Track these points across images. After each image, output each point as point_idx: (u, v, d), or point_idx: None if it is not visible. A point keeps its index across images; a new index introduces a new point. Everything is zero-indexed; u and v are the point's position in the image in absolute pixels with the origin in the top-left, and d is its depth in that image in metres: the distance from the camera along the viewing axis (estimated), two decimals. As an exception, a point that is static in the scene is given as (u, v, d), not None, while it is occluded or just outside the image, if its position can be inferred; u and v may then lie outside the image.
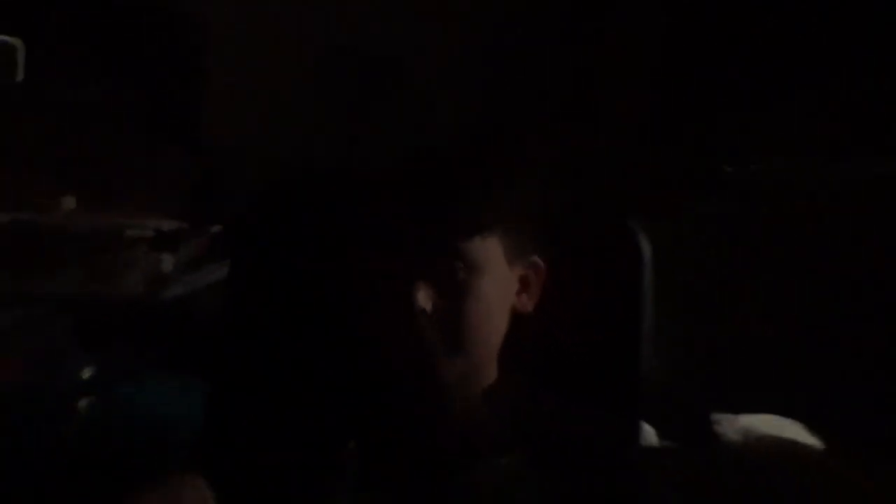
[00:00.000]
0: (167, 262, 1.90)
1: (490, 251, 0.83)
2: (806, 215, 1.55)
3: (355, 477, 0.80)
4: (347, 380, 0.87)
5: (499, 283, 0.85)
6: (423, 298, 0.81)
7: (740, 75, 1.69)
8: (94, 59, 2.10)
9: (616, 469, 0.84)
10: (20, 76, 1.96)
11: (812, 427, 1.34)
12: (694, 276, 1.43)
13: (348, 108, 2.04)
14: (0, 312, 1.67)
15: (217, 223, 1.97)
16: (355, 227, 0.86)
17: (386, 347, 0.82)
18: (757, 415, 1.37)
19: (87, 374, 1.47)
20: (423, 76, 2.02)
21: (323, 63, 2.04)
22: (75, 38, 2.10)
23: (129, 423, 1.31)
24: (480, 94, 1.94)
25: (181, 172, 2.04)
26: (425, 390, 0.83)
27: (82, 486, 0.81)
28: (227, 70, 2.12)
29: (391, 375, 0.84)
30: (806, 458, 1.27)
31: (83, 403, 1.36)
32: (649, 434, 1.44)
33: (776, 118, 1.67)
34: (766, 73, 1.69)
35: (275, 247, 0.97)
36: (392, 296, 0.82)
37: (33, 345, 1.59)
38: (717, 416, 1.38)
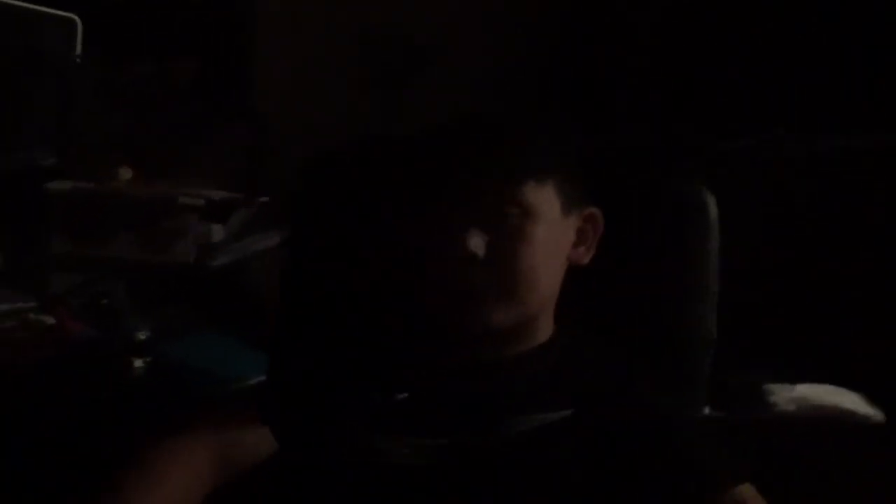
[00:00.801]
0: (217, 231, 1.93)
1: (545, 198, 0.80)
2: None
3: (405, 427, 0.80)
4: (400, 327, 0.88)
5: (554, 232, 0.82)
6: (476, 244, 0.78)
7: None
8: (149, 33, 2.14)
9: (665, 434, 0.81)
10: (78, 50, 2.01)
11: (872, 397, 1.30)
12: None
13: (389, 83, 2.05)
14: (62, 275, 1.72)
15: (267, 194, 1.99)
16: (409, 180, 0.86)
17: (439, 294, 0.81)
18: (813, 384, 1.33)
19: (142, 336, 1.50)
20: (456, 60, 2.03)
21: (366, 41, 2.05)
22: (131, 13, 2.14)
23: (180, 380, 1.34)
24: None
25: (234, 144, 2.06)
26: (478, 337, 0.83)
27: (137, 437, 0.82)
28: (279, 44, 2.14)
29: (443, 323, 0.83)
30: (865, 429, 1.23)
31: (138, 363, 1.40)
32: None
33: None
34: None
35: (332, 204, 0.98)
36: (445, 241, 0.81)
37: (92, 307, 1.63)
38: (770, 386, 1.34)
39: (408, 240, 0.85)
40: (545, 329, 0.85)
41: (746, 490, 0.77)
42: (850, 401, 1.31)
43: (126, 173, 1.97)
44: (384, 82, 2.07)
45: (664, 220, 0.91)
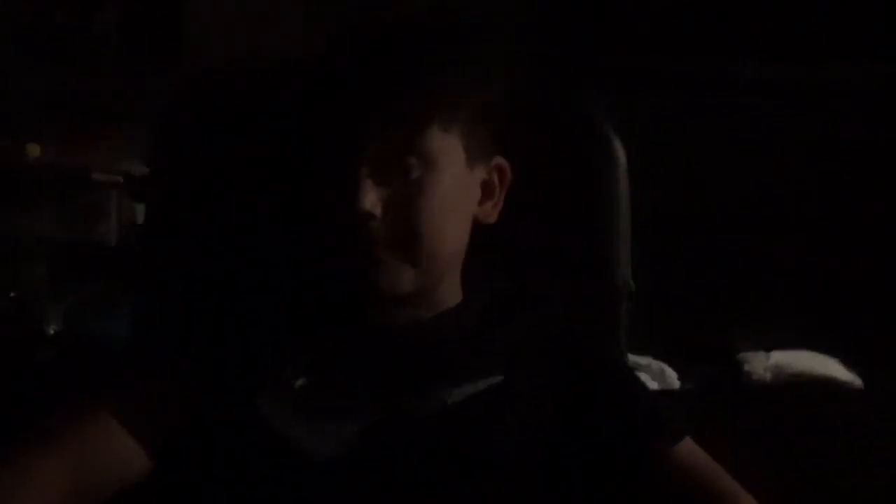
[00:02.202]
0: (141, 210, 1.78)
1: (448, 146, 0.69)
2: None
3: (312, 414, 0.68)
4: (290, 300, 0.75)
5: (458, 185, 0.71)
6: (371, 200, 0.67)
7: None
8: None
9: (604, 388, 0.74)
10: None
11: (851, 362, 1.24)
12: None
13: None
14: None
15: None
16: (294, 121, 0.72)
17: (331, 256, 0.69)
18: (788, 351, 1.27)
19: (52, 330, 1.37)
20: None
21: None
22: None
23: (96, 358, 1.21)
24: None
25: (158, 111, 1.89)
26: (377, 304, 0.71)
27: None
28: None
29: (338, 289, 0.71)
30: (845, 396, 1.18)
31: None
32: (671, 377, 1.35)
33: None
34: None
35: (202, 146, 0.84)
36: (335, 195, 0.67)
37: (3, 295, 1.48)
38: (745, 355, 1.28)
39: (295, 194, 0.72)
40: (453, 293, 0.75)
41: (688, 443, 0.73)
42: (828, 367, 1.25)
43: (34, 150, 1.80)
44: (336, 22, 1.88)
45: (570, 163, 0.82)
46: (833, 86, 1.51)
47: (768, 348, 1.26)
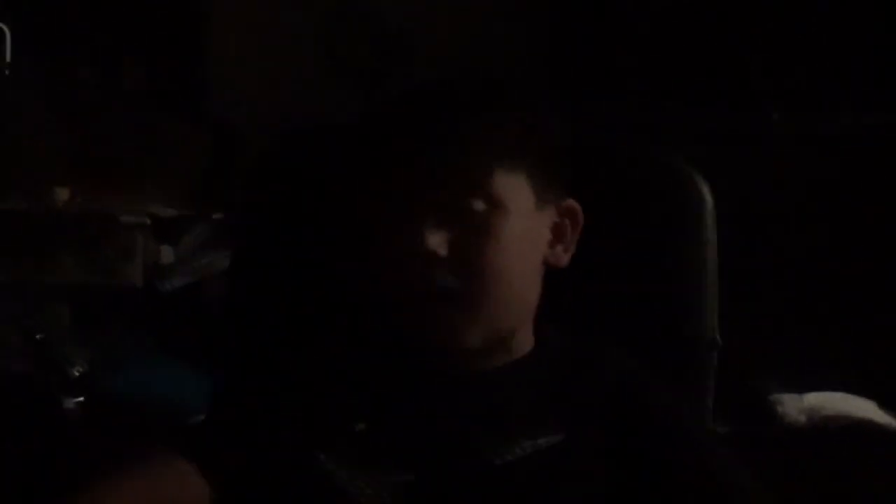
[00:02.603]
0: (167, 252, 1.79)
1: (517, 187, 0.68)
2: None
3: (367, 461, 0.67)
4: (356, 347, 0.74)
5: (526, 227, 0.69)
6: (437, 241, 0.65)
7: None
8: (93, 37, 2.00)
9: (682, 455, 0.70)
10: (8, 59, 1.87)
11: (887, 404, 1.21)
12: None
13: (364, 78, 1.91)
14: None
15: (222, 209, 1.85)
16: (361, 167, 0.72)
17: (397, 301, 0.68)
18: (822, 392, 1.23)
19: (77, 371, 1.37)
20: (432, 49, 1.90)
21: (333, 29, 1.91)
22: (66, 19, 2.00)
23: (124, 416, 1.20)
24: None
25: (187, 157, 1.92)
26: (442, 353, 0.69)
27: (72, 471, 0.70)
28: (231, 49, 2.00)
29: (403, 337, 0.70)
30: (881, 438, 1.14)
31: (69, 405, 1.26)
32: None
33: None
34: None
35: (280, 207, 0.85)
36: (401, 238, 0.66)
37: (28, 341, 1.49)
38: (778, 396, 1.25)
39: (362, 241, 0.72)
40: (525, 342, 0.72)
41: None
42: (863, 408, 1.21)
43: (63, 193, 1.83)
44: (357, 77, 1.91)
45: (651, 207, 0.79)
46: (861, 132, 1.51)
47: (801, 390, 1.23)
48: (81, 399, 1.26)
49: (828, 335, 1.36)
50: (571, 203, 0.72)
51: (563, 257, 0.72)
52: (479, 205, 0.67)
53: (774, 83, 1.57)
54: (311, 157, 0.85)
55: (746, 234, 1.35)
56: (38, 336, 1.49)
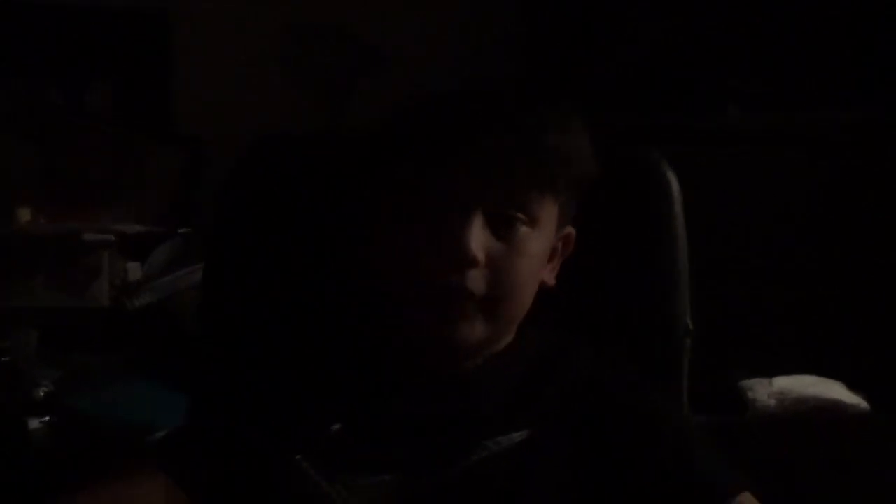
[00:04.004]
0: (134, 269, 1.77)
1: (551, 212, 0.72)
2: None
3: (350, 464, 0.67)
4: (334, 350, 0.75)
5: (545, 248, 0.74)
6: (478, 247, 0.68)
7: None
8: (53, 60, 1.98)
9: (658, 440, 0.70)
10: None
11: (855, 385, 1.23)
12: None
13: (333, 89, 1.91)
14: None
15: (190, 225, 1.83)
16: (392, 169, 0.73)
17: (421, 301, 0.69)
18: (793, 376, 1.25)
19: (42, 392, 1.35)
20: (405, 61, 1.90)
21: (301, 40, 1.90)
22: (32, 40, 1.98)
23: (85, 434, 1.19)
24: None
25: (154, 173, 1.90)
26: (448, 354, 0.71)
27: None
28: (197, 65, 1.99)
29: (412, 338, 0.71)
30: (850, 419, 1.16)
31: (35, 425, 1.24)
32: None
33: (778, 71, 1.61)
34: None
35: (265, 205, 0.85)
36: (440, 241, 0.68)
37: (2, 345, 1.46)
38: (748, 382, 1.26)
39: (376, 248, 0.73)
40: (504, 344, 0.74)
41: (747, 499, 0.69)
42: (832, 390, 1.23)
43: (25, 213, 1.80)
44: (326, 90, 1.89)
45: (623, 200, 0.81)
46: (815, 129, 1.55)
47: (770, 375, 1.25)
48: (47, 419, 1.24)
49: (795, 320, 1.39)
50: (570, 230, 0.76)
51: (552, 277, 0.75)
52: (521, 223, 0.70)
53: (732, 80, 1.59)
54: (303, 160, 0.85)
55: (712, 227, 1.37)
56: (4, 358, 1.46)
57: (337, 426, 0.69)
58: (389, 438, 0.69)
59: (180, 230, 1.81)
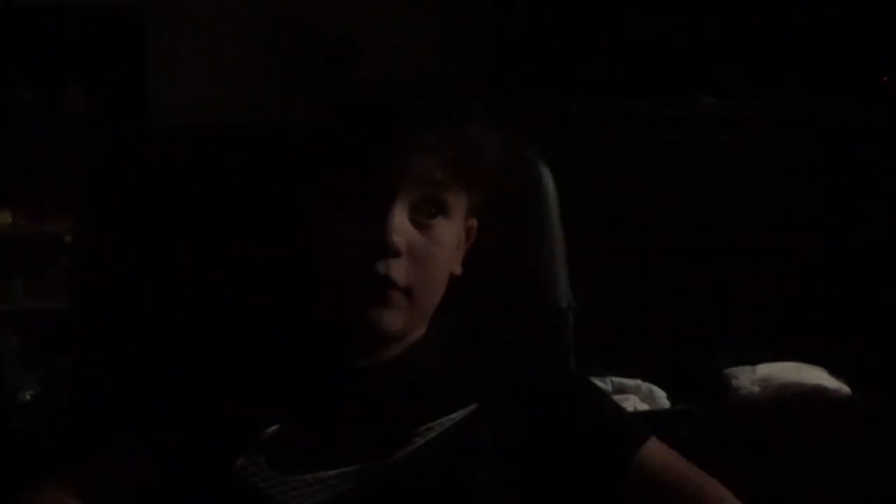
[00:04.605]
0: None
1: (460, 203, 0.74)
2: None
3: (288, 461, 0.67)
4: (268, 347, 0.75)
5: (456, 239, 0.76)
6: (399, 238, 0.69)
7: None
8: (27, 63, 1.96)
9: (576, 403, 0.75)
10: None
11: (835, 370, 1.24)
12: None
13: (310, 88, 1.90)
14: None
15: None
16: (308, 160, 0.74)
17: (339, 292, 0.71)
18: (776, 363, 1.26)
19: (28, 395, 1.34)
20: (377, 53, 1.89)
21: (269, 37, 1.89)
22: (6, 43, 1.96)
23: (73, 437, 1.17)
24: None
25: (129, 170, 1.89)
26: (362, 344, 0.72)
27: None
28: (171, 64, 1.98)
29: (332, 329, 0.72)
30: (832, 402, 1.17)
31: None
32: (660, 398, 1.34)
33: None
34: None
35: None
36: (359, 231, 0.70)
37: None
38: (731, 370, 1.27)
39: (297, 234, 0.74)
40: (421, 330, 0.77)
41: (656, 443, 0.74)
42: (814, 375, 1.24)
43: (5, 217, 1.78)
44: (301, 87, 1.88)
45: (502, 192, 0.86)
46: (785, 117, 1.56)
47: (753, 362, 1.26)
48: (31, 421, 1.23)
49: (778, 307, 1.40)
50: (474, 221, 0.79)
51: (458, 267, 0.77)
52: (439, 213, 0.72)
53: (706, 69, 1.60)
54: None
55: (689, 215, 1.38)
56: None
57: (274, 427, 0.69)
58: (330, 433, 0.70)
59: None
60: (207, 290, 0.82)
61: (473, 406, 0.72)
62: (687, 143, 1.46)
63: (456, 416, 0.72)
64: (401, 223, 0.70)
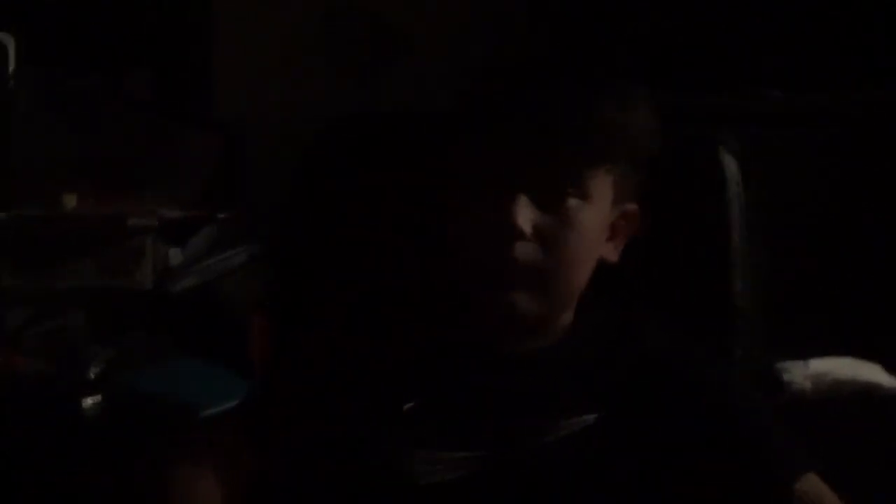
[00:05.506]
0: (175, 254, 1.81)
1: (604, 187, 0.73)
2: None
3: (426, 439, 0.69)
4: (412, 323, 0.77)
5: (600, 224, 0.74)
6: (525, 219, 0.69)
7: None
8: (92, 47, 2.02)
9: (727, 418, 0.72)
10: (11, 69, 1.89)
11: (892, 368, 1.23)
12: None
13: (365, 74, 1.93)
14: (10, 310, 1.60)
15: (228, 209, 1.87)
16: (446, 148, 0.75)
17: (471, 270, 0.71)
18: (829, 358, 1.25)
19: (94, 371, 1.40)
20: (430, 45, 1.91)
21: (334, 25, 1.93)
22: (70, 26, 2.02)
23: (136, 412, 1.23)
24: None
25: (192, 159, 1.94)
26: (500, 326, 0.73)
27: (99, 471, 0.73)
28: (234, 48, 2.02)
29: (466, 307, 0.73)
30: (887, 401, 1.16)
31: (88, 403, 1.29)
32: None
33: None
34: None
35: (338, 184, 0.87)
36: (491, 212, 0.70)
37: (45, 342, 1.52)
38: (783, 364, 1.26)
39: (434, 216, 0.75)
40: (567, 322, 0.76)
41: (813, 479, 0.70)
42: (869, 372, 1.23)
43: (70, 200, 1.85)
44: (359, 73, 1.92)
45: (679, 179, 0.82)
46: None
47: (805, 357, 1.25)
48: (99, 398, 1.28)
49: (833, 303, 1.38)
50: (633, 207, 0.77)
51: (614, 254, 0.76)
52: (570, 195, 0.71)
53: (775, 60, 1.57)
54: (370, 140, 0.87)
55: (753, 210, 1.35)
56: (55, 338, 1.51)
57: (410, 404, 0.71)
58: (464, 416, 0.71)
59: (219, 215, 1.85)
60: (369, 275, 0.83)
61: (610, 412, 0.72)
62: (758, 136, 1.43)
63: (589, 418, 0.71)
64: (527, 206, 0.70)
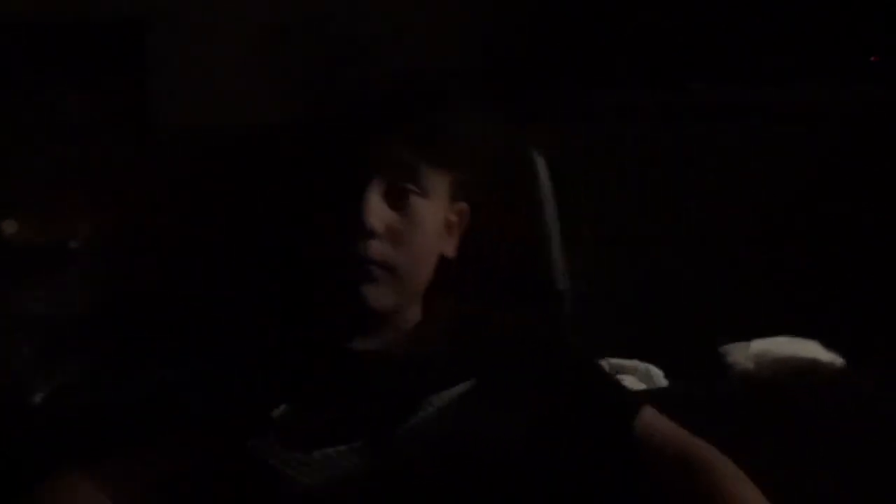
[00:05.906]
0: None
1: (440, 185, 0.81)
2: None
3: (296, 439, 0.71)
4: (270, 324, 0.80)
5: (439, 220, 0.82)
6: (376, 219, 0.76)
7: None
8: (29, 70, 1.99)
9: (573, 376, 0.83)
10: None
11: (829, 344, 1.27)
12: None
13: (307, 84, 1.92)
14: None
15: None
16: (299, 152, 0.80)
17: (326, 270, 0.76)
18: (769, 338, 1.29)
19: (39, 397, 1.37)
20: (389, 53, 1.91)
21: (283, 38, 1.93)
22: (7, 52, 1.99)
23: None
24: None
25: (131, 179, 1.92)
26: (357, 320, 0.78)
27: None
28: (173, 65, 2.01)
29: (323, 308, 0.78)
30: (826, 376, 1.20)
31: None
32: (657, 376, 1.36)
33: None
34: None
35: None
36: (342, 215, 0.76)
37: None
38: (726, 347, 1.30)
39: (290, 220, 0.79)
40: (416, 312, 0.81)
41: (650, 410, 0.80)
42: (808, 349, 1.27)
43: (10, 226, 1.81)
44: (307, 85, 1.91)
45: (498, 180, 0.89)
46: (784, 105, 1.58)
47: (747, 339, 1.28)
48: (44, 423, 1.26)
49: (769, 284, 1.42)
50: (464, 205, 0.83)
51: (452, 249, 0.82)
52: (414, 196, 0.79)
53: (695, 54, 1.62)
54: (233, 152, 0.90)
55: (679, 200, 1.40)
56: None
57: (282, 407, 0.73)
58: (334, 412, 0.75)
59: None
60: (214, 285, 0.86)
61: (473, 381, 0.77)
62: (677, 131, 1.48)
63: (456, 390, 0.76)
64: (377, 206, 0.76)
